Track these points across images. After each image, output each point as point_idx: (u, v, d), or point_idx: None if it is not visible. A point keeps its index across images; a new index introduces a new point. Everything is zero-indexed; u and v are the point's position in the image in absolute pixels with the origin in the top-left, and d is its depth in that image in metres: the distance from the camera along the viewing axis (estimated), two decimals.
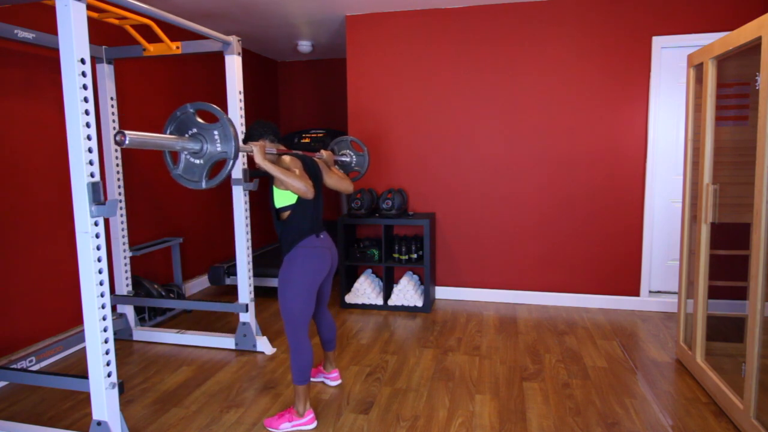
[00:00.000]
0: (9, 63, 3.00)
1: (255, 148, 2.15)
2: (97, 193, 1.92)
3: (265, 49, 5.79)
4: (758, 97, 2.11)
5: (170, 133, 1.86)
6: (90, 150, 1.93)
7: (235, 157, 1.86)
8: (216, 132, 1.82)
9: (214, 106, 1.85)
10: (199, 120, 1.85)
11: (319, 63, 6.33)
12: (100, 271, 1.98)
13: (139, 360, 3.23)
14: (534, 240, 4.29)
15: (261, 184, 5.67)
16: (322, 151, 2.68)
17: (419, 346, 3.42)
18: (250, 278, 3.32)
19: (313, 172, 2.47)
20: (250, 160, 2.99)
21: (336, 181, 2.63)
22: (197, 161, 1.84)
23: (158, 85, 4.29)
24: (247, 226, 3.27)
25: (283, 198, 2.38)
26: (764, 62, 2.06)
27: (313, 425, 2.44)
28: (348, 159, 3.10)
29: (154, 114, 4.24)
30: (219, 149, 1.82)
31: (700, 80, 2.84)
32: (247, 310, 3.30)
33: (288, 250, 2.41)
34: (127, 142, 1.60)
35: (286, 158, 2.33)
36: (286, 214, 2.39)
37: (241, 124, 3.20)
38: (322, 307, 2.72)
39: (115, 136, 1.60)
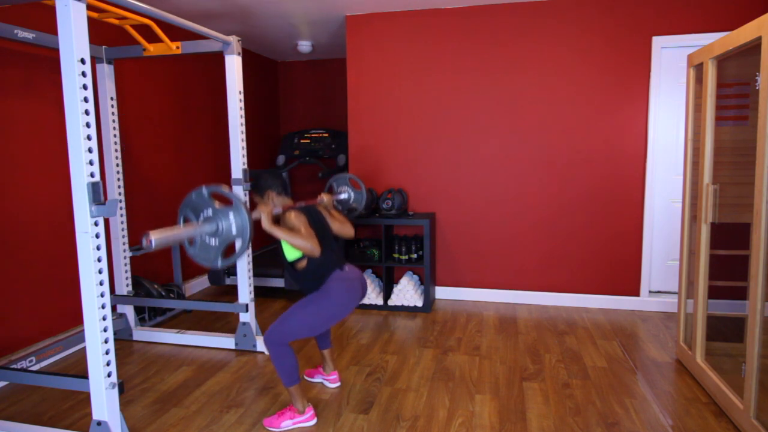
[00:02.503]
0: (9, 63, 3.00)
1: (263, 215, 2.20)
2: (97, 193, 1.93)
3: (265, 49, 5.79)
4: (758, 97, 2.11)
5: (185, 216, 1.94)
6: (90, 150, 1.93)
7: (250, 240, 1.93)
8: (231, 214, 1.90)
9: (230, 191, 1.91)
10: (214, 202, 1.92)
11: (319, 63, 6.33)
12: (100, 271, 1.98)
13: (139, 360, 3.23)
14: (534, 240, 4.29)
15: None
16: (322, 195, 2.74)
17: (419, 346, 3.42)
18: (250, 278, 3.32)
19: (318, 220, 2.51)
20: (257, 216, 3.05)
21: (338, 227, 2.68)
22: (212, 242, 1.92)
23: (158, 85, 4.29)
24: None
25: (293, 251, 2.41)
26: (764, 62, 2.06)
27: (314, 422, 2.45)
28: (346, 196, 3.17)
29: (154, 114, 4.24)
30: (234, 233, 1.90)
31: (700, 80, 2.84)
32: (247, 310, 3.30)
33: (318, 288, 2.44)
34: (153, 246, 1.68)
35: (292, 214, 2.36)
36: (302, 263, 2.42)
37: (241, 124, 3.20)
38: None
39: (141, 240, 1.67)
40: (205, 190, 1.90)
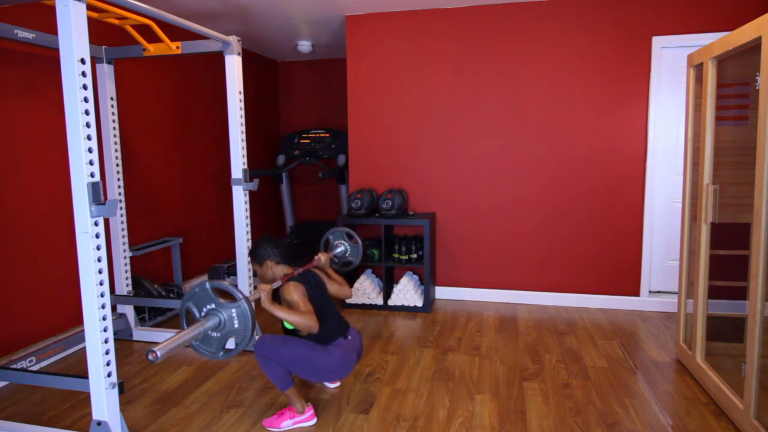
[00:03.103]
0: (9, 63, 3.00)
1: (262, 294, 2.23)
2: (97, 193, 1.93)
3: (265, 49, 5.79)
4: (758, 97, 2.11)
5: (188, 309, 1.98)
6: (90, 150, 1.93)
7: (251, 338, 1.98)
8: (233, 311, 1.94)
9: (233, 288, 1.96)
10: (217, 297, 1.96)
11: (319, 63, 6.33)
12: (100, 271, 1.98)
13: (139, 360, 3.23)
14: (534, 240, 4.29)
15: (262, 186, 5.68)
16: (320, 256, 2.77)
17: (419, 346, 3.42)
18: (250, 278, 3.32)
19: (317, 288, 2.53)
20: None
21: (336, 288, 2.72)
22: (215, 334, 1.96)
23: (158, 85, 4.29)
24: (247, 226, 3.27)
25: None
26: (764, 62, 2.06)
27: (314, 421, 2.45)
28: (342, 249, 3.21)
29: (154, 114, 4.24)
30: (236, 326, 1.95)
31: (700, 80, 2.84)
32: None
33: (323, 343, 2.47)
34: (159, 357, 1.70)
35: (290, 287, 2.38)
36: (304, 332, 2.43)
37: (241, 124, 3.20)
38: None
39: (147, 356, 1.70)
40: (208, 285, 1.94)
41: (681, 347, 3.09)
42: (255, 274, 2.68)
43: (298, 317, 2.28)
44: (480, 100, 4.27)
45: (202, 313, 1.96)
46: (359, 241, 3.19)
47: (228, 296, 1.97)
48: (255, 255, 2.55)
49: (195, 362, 3.18)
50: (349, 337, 2.58)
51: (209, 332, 1.95)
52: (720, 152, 2.75)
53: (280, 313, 2.26)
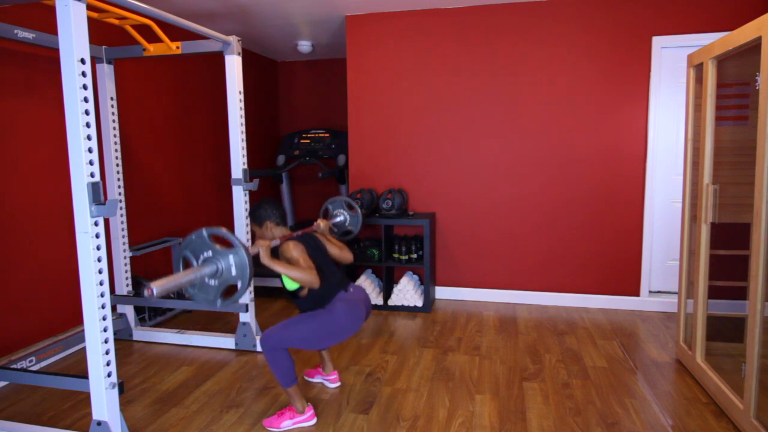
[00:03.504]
0: (9, 63, 3.00)
1: (261, 249, 2.20)
2: (97, 193, 1.93)
3: (265, 49, 5.79)
4: (758, 97, 2.11)
5: (185, 256, 1.95)
6: (90, 150, 1.93)
7: (249, 283, 1.94)
8: (231, 257, 1.91)
9: (230, 234, 1.93)
10: (214, 244, 1.93)
11: (319, 63, 6.33)
12: (100, 271, 1.98)
13: (139, 360, 3.23)
14: (534, 240, 4.29)
15: (262, 184, 5.68)
16: (319, 222, 2.75)
17: (419, 346, 3.42)
18: (250, 278, 3.31)
19: (316, 248, 2.52)
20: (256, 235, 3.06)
21: (337, 252, 2.68)
22: (212, 282, 1.93)
23: (158, 85, 4.29)
24: (247, 226, 3.27)
25: (293, 281, 2.41)
26: (764, 62, 2.06)
27: (314, 421, 2.45)
28: (342, 219, 3.18)
29: (154, 114, 4.24)
30: (234, 274, 1.91)
31: (700, 80, 2.84)
32: (247, 310, 3.30)
33: (324, 306, 2.45)
34: (155, 294, 1.69)
35: (289, 244, 2.37)
36: (304, 291, 2.43)
37: (241, 124, 3.20)
38: None
39: (142, 291, 1.68)
40: (205, 232, 1.91)
41: (681, 347, 3.09)
42: (253, 236, 2.64)
43: (298, 271, 2.25)
44: (480, 99, 4.27)
45: (200, 261, 1.92)
46: (359, 211, 3.14)
47: (226, 244, 1.93)
48: (255, 215, 2.52)
49: (195, 362, 3.18)
50: (351, 290, 2.54)
51: (206, 280, 1.91)
52: (720, 152, 2.74)
53: (278, 267, 2.23)
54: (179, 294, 4.07)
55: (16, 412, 2.59)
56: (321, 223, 2.74)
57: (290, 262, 2.33)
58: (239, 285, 1.91)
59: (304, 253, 2.36)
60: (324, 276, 2.42)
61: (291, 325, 2.39)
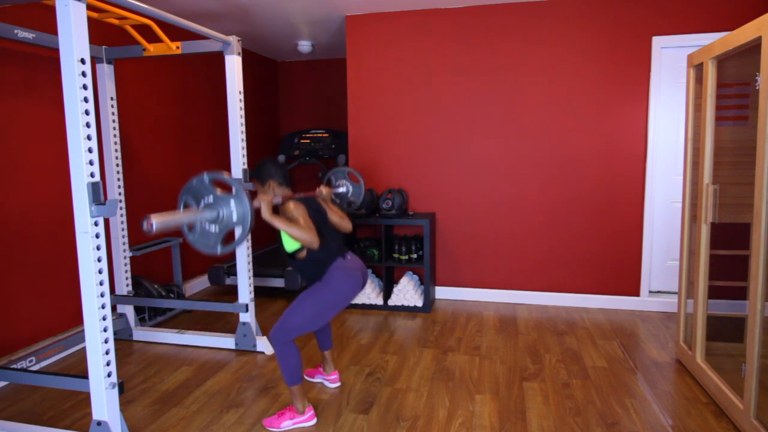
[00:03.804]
0: (9, 63, 3.00)
1: (263, 203, 2.19)
2: (97, 193, 1.93)
3: (265, 49, 5.79)
4: (758, 97, 2.11)
5: (186, 202, 1.92)
6: (90, 150, 1.93)
7: (250, 229, 1.92)
8: (232, 202, 1.88)
9: (230, 178, 1.90)
10: (215, 189, 1.90)
11: (319, 63, 6.33)
12: (100, 271, 1.98)
13: (139, 360, 3.23)
14: (534, 240, 4.29)
15: None
16: (321, 188, 2.73)
17: (419, 346, 3.42)
18: (250, 278, 3.32)
19: (317, 211, 2.51)
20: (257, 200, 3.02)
21: (337, 220, 2.66)
22: (213, 229, 1.90)
23: (158, 85, 4.29)
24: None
25: (292, 242, 2.40)
26: (764, 62, 2.06)
27: (314, 422, 2.45)
28: (344, 189, 3.16)
29: (154, 114, 4.24)
30: (234, 220, 1.89)
31: (700, 80, 2.84)
32: (247, 310, 3.30)
33: (320, 277, 2.44)
34: (154, 229, 1.67)
35: (291, 204, 2.35)
36: (302, 253, 2.42)
37: (241, 124, 3.20)
38: None
39: (142, 223, 1.67)
40: (206, 177, 1.88)
41: (681, 347, 3.09)
42: (254, 195, 2.60)
43: (298, 229, 2.23)
44: (480, 99, 4.27)
45: (201, 207, 1.90)
46: (361, 181, 3.11)
47: (228, 190, 1.90)
48: (259, 173, 2.49)
49: (195, 362, 3.18)
50: (348, 257, 2.52)
51: (207, 225, 1.89)
52: (720, 152, 2.75)
53: (279, 224, 2.21)
54: (179, 294, 4.08)
55: (16, 412, 2.59)
56: (323, 190, 2.71)
57: (290, 221, 2.30)
58: (239, 231, 1.88)
59: (305, 214, 2.34)
60: (323, 240, 2.40)
61: (293, 311, 2.39)
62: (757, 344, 2.14)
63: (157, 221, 1.68)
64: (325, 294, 2.39)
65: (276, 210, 2.32)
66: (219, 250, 1.89)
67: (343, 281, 2.41)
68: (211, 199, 1.88)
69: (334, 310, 2.44)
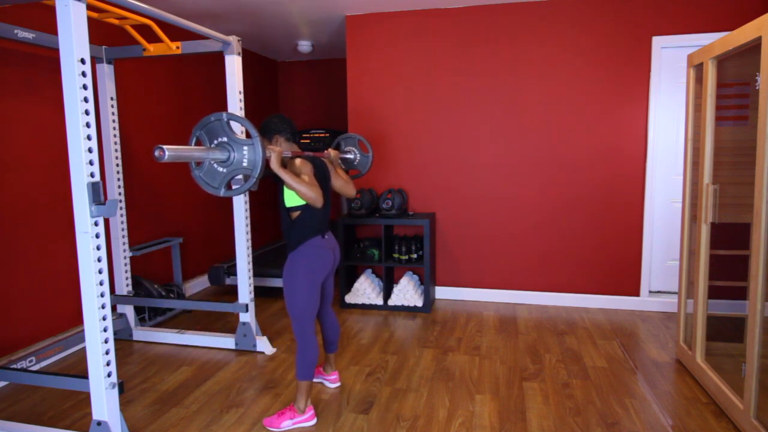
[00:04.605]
0: (9, 63, 3.00)
1: (273, 154, 2.15)
2: (97, 193, 1.93)
3: (265, 49, 5.79)
4: (758, 97, 2.11)
5: (198, 137, 1.90)
6: (90, 150, 1.93)
7: (259, 177, 1.89)
8: (246, 148, 1.86)
9: (250, 124, 1.87)
10: (232, 131, 1.87)
11: (319, 63, 6.33)
12: (100, 271, 1.98)
13: (139, 360, 3.23)
14: (534, 240, 4.29)
15: (262, 184, 5.67)
16: (329, 150, 2.69)
17: (419, 346, 3.42)
18: (250, 278, 3.32)
19: (322, 175, 2.50)
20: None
21: (342, 184, 2.65)
22: (221, 169, 1.88)
23: (158, 85, 4.29)
24: (247, 226, 3.27)
25: (293, 198, 2.40)
26: (764, 62, 2.06)
27: (314, 422, 2.45)
28: (352, 156, 3.13)
29: (154, 114, 4.24)
30: (245, 164, 1.86)
31: (700, 80, 2.84)
32: (247, 310, 3.30)
33: (293, 248, 2.44)
34: (165, 157, 1.67)
35: (298, 161, 2.34)
36: (296, 213, 2.42)
37: None
38: (325, 306, 2.72)
39: (154, 151, 1.66)
40: (225, 116, 1.85)
41: (681, 347, 3.09)
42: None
43: (305, 186, 2.21)
44: (480, 99, 4.27)
45: (213, 145, 1.88)
46: (370, 152, 3.08)
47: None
48: (266, 128, 2.45)
49: (195, 362, 3.18)
50: (326, 236, 2.51)
51: (216, 165, 1.86)
52: (720, 152, 2.74)
53: (286, 176, 2.18)
54: (179, 294, 4.08)
55: (16, 412, 2.59)
56: (331, 152, 2.68)
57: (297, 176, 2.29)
58: (248, 179, 1.86)
59: (311, 173, 2.33)
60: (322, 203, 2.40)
61: (288, 302, 2.42)
62: (757, 344, 2.14)
63: (169, 151, 1.66)
64: (297, 272, 2.40)
65: (284, 164, 2.30)
66: (222, 192, 1.87)
67: (310, 258, 2.42)
68: (225, 139, 1.85)
69: (316, 280, 2.44)
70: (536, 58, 4.13)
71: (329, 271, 2.55)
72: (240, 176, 2.07)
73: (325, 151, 2.68)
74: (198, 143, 1.90)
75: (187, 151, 1.75)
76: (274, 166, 2.16)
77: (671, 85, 3.97)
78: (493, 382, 2.88)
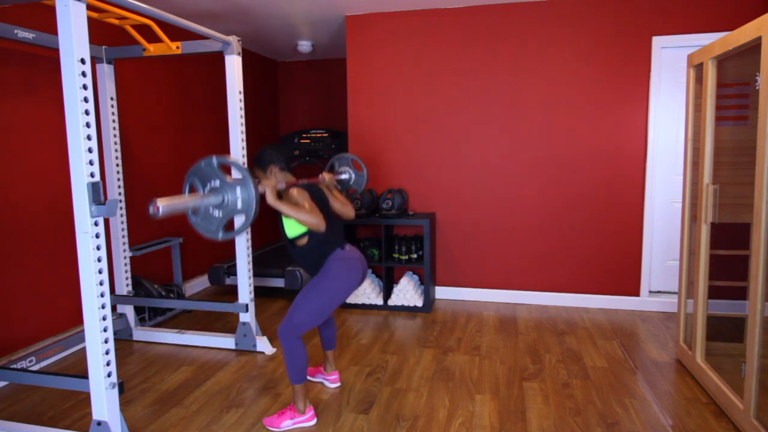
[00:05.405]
0: (9, 63, 3.00)
1: (267, 189, 2.16)
2: (97, 193, 1.92)
3: (265, 49, 5.79)
4: (758, 97, 2.11)
5: (191, 183, 1.90)
6: (90, 150, 1.93)
7: (254, 217, 1.90)
8: (238, 189, 1.86)
9: (239, 163, 1.89)
10: (223, 174, 1.89)
11: (319, 63, 6.33)
12: (100, 271, 1.98)
13: (139, 360, 3.23)
14: (534, 240, 4.29)
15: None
16: (324, 174, 2.71)
17: (419, 346, 3.42)
18: (250, 278, 3.32)
19: (320, 199, 2.49)
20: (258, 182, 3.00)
21: (339, 207, 2.64)
22: (217, 213, 1.88)
23: (158, 85, 4.29)
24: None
25: (294, 227, 2.40)
26: (764, 62, 2.06)
27: (314, 422, 2.45)
28: (347, 177, 3.15)
29: (154, 114, 4.24)
30: (239, 207, 1.87)
31: (700, 80, 2.84)
32: (247, 310, 3.30)
33: (316, 272, 2.44)
34: (160, 213, 1.67)
35: (294, 190, 2.34)
36: (303, 241, 2.41)
37: (241, 124, 3.20)
38: None
39: (148, 207, 1.66)
40: (215, 160, 1.86)
41: (681, 347, 3.09)
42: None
43: (305, 213, 2.21)
44: (480, 99, 4.27)
45: (206, 190, 1.88)
46: (365, 170, 3.08)
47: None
48: (259, 160, 2.46)
49: (195, 362, 3.18)
50: (347, 248, 2.51)
51: (211, 210, 1.87)
52: (720, 152, 2.74)
53: (284, 208, 2.18)
54: (179, 294, 4.08)
55: (16, 412, 2.59)
56: (326, 176, 2.69)
57: (295, 206, 2.28)
58: (243, 220, 1.87)
59: (309, 199, 2.32)
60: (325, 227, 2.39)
61: (297, 307, 2.39)
62: (757, 344, 2.14)
63: (163, 205, 1.66)
64: (326, 286, 2.39)
65: (279, 196, 2.31)
66: (220, 235, 1.87)
67: (342, 272, 2.40)
68: (217, 183, 1.86)
69: (337, 302, 2.43)
70: (536, 58, 4.13)
71: (359, 284, 2.50)
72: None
73: (320, 176, 2.69)
74: (192, 189, 1.92)
75: (182, 203, 1.76)
76: (270, 200, 2.16)
77: (671, 85, 3.97)
78: (493, 382, 2.88)
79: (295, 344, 2.38)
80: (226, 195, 1.86)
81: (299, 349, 2.39)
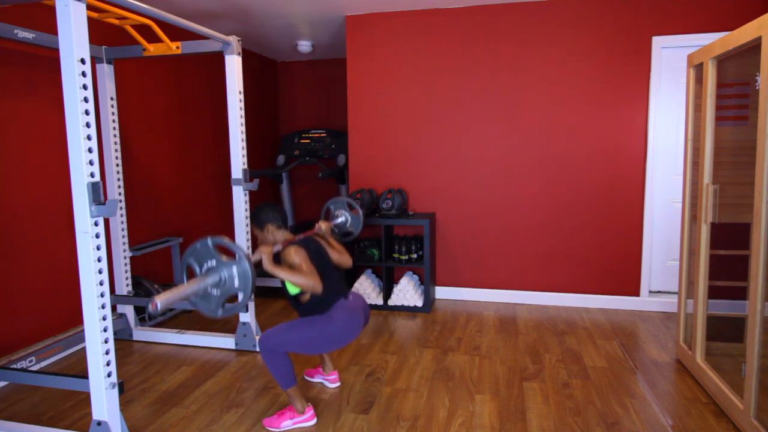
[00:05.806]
0: (9, 63, 3.00)
1: (263, 256, 2.20)
2: (97, 193, 1.93)
3: (265, 49, 5.79)
4: (758, 97, 2.11)
5: (188, 264, 1.95)
6: (90, 150, 1.93)
7: (251, 295, 1.94)
8: (234, 267, 1.91)
9: (234, 245, 1.93)
10: (218, 254, 1.93)
11: (319, 63, 6.33)
12: (100, 271, 1.98)
13: (139, 360, 3.23)
14: (534, 240, 4.29)
15: (261, 186, 5.68)
16: (320, 224, 2.73)
17: (419, 346, 3.42)
18: None
19: (318, 255, 2.50)
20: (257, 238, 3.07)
21: (337, 257, 2.67)
22: (215, 292, 1.93)
23: (158, 85, 4.29)
24: (247, 226, 3.27)
25: (296, 286, 2.40)
26: (764, 62, 2.06)
27: (314, 422, 2.45)
28: (343, 219, 3.17)
29: (154, 114, 4.24)
30: (236, 285, 1.91)
31: (700, 80, 2.84)
32: (247, 310, 3.30)
33: (322, 313, 2.45)
34: (159, 309, 1.71)
35: (291, 249, 2.35)
36: (306, 297, 2.43)
37: (241, 124, 3.20)
38: None
39: (147, 306, 1.70)
40: (210, 241, 1.92)
41: (681, 347, 3.09)
42: (254, 238, 2.61)
43: (301, 277, 2.25)
44: (480, 99, 4.27)
45: (203, 270, 1.92)
46: (360, 212, 3.13)
47: (230, 254, 1.94)
48: (256, 218, 2.50)
49: (195, 362, 3.18)
50: (350, 298, 2.54)
51: (209, 289, 1.91)
52: (720, 152, 2.74)
53: (281, 273, 2.22)
54: None
55: (16, 412, 2.59)
56: (322, 226, 2.73)
57: (292, 267, 2.32)
58: (240, 296, 1.92)
59: (306, 259, 2.35)
60: (325, 282, 2.41)
61: (290, 329, 2.38)
62: (757, 344, 2.14)
63: (161, 302, 1.71)
64: (325, 329, 2.39)
65: (276, 257, 2.34)
66: (220, 313, 1.92)
67: (344, 321, 2.42)
68: (213, 262, 1.92)
69: (330, 347, 2.43)
70: (536, 58, 4.13)
71: (359, 332, 2.51)
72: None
73: (316, 226, 2.71)
74: (189, 270, 1.95)
75: (179, 294, 1.79)
76: (268, 267, 2.20)
77: (671, 85, 3.97)
78: (493, 382, 2.88)
79: (275, 355, 2.37)
80: (223, 274, 1.91)
81: (281, 358, 2.38)
